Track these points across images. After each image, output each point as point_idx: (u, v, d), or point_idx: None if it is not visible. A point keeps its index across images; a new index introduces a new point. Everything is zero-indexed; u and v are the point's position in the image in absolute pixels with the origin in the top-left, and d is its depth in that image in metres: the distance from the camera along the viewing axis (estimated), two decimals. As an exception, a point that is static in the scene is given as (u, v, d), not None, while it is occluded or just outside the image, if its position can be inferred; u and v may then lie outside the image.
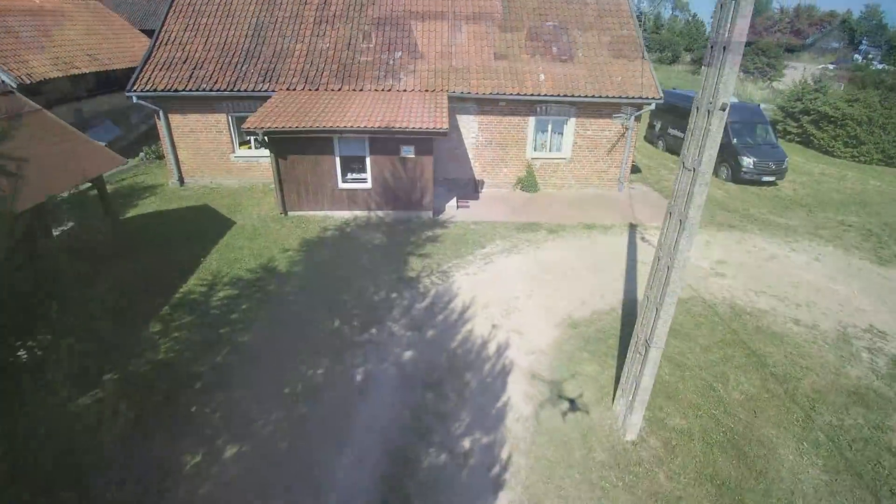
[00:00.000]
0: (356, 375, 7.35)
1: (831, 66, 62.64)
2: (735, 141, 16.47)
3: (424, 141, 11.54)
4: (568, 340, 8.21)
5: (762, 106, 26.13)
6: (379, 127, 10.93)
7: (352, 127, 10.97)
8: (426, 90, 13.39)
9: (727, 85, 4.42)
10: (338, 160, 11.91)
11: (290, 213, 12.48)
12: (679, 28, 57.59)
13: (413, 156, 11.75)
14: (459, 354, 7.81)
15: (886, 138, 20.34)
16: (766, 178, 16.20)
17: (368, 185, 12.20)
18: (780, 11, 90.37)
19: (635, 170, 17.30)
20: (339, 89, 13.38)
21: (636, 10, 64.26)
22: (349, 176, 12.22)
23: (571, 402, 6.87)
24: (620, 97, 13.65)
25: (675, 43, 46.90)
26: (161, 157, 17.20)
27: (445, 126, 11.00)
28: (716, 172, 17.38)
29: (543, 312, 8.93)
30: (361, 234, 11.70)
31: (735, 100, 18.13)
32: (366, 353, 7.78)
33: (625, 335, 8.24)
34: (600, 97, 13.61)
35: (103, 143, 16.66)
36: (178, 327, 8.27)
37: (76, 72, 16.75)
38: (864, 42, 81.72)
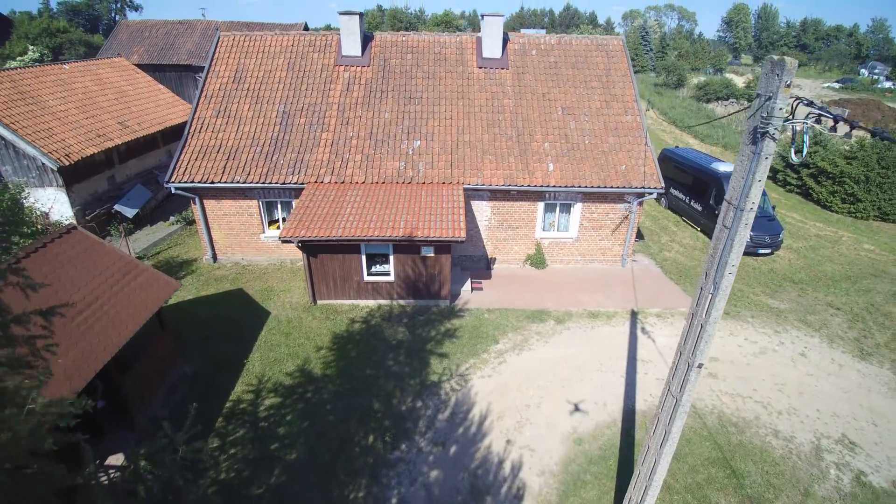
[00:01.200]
0: (392, 498, 8.53)
1: (836, 85, 63.01)
2: (733, 213, 17.41)
3: (443, 244, 12.62)
4: (574, 459, 9.35)
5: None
6: (402, 236, 12.02)
7: (378, 236, 12.07)
8: (443, 182, 14.44)
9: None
10: (363, 257, 13.03)
11: (320, 302, 13.63)
12: (685, 47, 57.94)
13: (433, 255, 12.85)
14: (480, 475, 8.97)
15: (882, 196, 21.24)
16: (762, 252, 17.19)
17: (391, 277, 13.32)
18: (786, 26, 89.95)
19: (639, 236, 18.32)
20: (364, 182, 14.45)
21: (643, 30, 64.61)
22: (374, 269, 13.34)
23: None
24: (624, 188, 14.66)
25: (681, 67, 47.43)
26: (192, 222, 18.40)
27: (463, 236, 12.08)
28: (714, 240, 18.33)
29: (552, 425, 10.06)
30: (385, 327, 12.83)
31: (732, 167, 18.99)
32: (398, 474, 8.95)
33: (623, 457, 9.36)
34: (606, 188, 14.62)
35: (137, 209, 17.88)
36: (233, 442, 9.46)
37: (110, 145, 17.86)
38: (870, 57, 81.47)
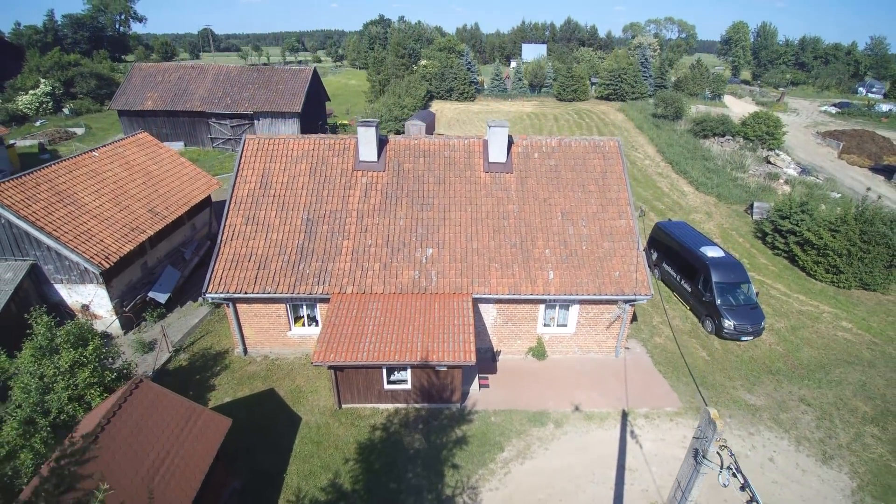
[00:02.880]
0: None
1: (833, 109, 64.06)
2: (719, 302, 19.03)
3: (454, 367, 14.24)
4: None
5: (756, 205, 28.49)
6: (419, 361, 13.63)
7: (397, 361, 13.68)
8: (454, 292, 16.00)
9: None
10: (384, 371, 14.64)
11: (345, 406, 15.28)
12: (684, 73, 58.99)
13: (445, 369, 14.46)
14: None
15: (864, 269, 22.77)
16: (745, 338, 18.79)
17: (408, 386, 14.95)
18: (785, 44, 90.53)
19: (633, 317, 19.90)
20: (382, 292, 16.01)
21: (642, 56, 65.44)
22: (393, 379, 14.96)
23: None
24: (617, 295, 16.22)
25: (679, 100, 48.63)
26: (218, 305, 19.98)
27: (472, 360, 13.70)
28: (702, 324, 19.98)
29: (551, 545, 11.74)
30: (404, 434, 14.48)
31: (721, 252, 20.57)
32: None
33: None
34: (600, 295, 16.19)
35: (168, 293, 19.45)
36: (278, 566, 11.15)
37: (144, 237, 19.36)
38: (866, 77, 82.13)
